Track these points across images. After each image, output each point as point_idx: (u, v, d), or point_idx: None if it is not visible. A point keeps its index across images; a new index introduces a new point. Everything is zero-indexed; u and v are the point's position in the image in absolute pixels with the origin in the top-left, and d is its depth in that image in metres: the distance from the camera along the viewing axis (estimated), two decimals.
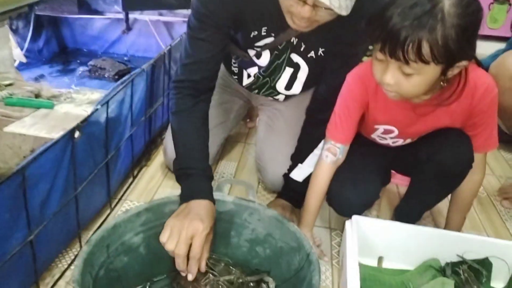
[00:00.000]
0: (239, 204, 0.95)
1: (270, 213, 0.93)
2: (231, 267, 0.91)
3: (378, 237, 1.04)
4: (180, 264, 0.82)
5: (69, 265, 0.98)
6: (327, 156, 1.03)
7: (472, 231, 1.22)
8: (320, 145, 1.09)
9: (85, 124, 0.95)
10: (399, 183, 1.38)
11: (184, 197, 0.89)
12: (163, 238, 0.82)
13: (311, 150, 1.14)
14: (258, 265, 0.94)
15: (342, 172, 1.04)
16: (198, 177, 0.92)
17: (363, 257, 1.02)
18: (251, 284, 0.90)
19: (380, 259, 1.06)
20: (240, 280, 0.88)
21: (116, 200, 1.21)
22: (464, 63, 0.81)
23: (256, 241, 0.95)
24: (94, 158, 1.05)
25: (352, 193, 1.02)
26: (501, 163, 1.59)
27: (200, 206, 0.86)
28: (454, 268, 0.98)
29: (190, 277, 0.83)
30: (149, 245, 0.92)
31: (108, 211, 1.16)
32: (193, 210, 0.85)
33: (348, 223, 1.02)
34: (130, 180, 1.29)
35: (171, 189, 1.29)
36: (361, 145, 1.07)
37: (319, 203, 1.06)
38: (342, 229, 1.16)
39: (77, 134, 0.94)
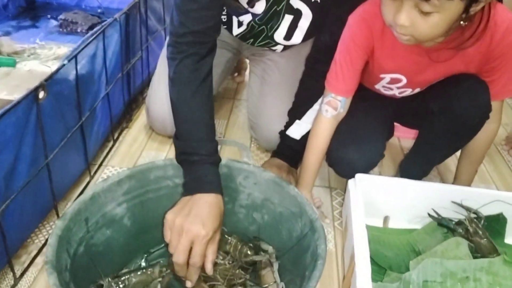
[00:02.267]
0: (233, 167, 0.85)
1: (268, 176, 0.83)
2: (226, 236, 0.82)
3: (383, 196, 0.96)
4: (179, 271, 0.73)
5: (47, 240, 0.89)
6: (327, 111, 0.93)
7: (480, 184, 1.15)
8: (320, 99, 0.98)
9: (51, 82, 0.83)
10: (401, 136, 1.30)
11: (188, 188, 0.77)
12: (166, 238, 0.74)
13: (310, 105, 1.04)
14: (255, 232, 0.86)
15: (343, 131, 0.95)
16: (203, 164, 0.78)
17: (367, 217, 0.94)
18: (249, 252, 0.82)
19: (385, 219, 0.99)
20: (238, 247, 0.80)
21: (96, 167, 1.11)
22: None
23: (253, 207, 0.86)
24: (66, 121, 0.93)
25: (354, 153, 0.93)
26: (507, 110, 1.51)
27: (204, 203, 0.73)
28: (465, 226, 0.91)
29: (189, 285, 0.73)
30: (134, 215, 0.83)
31: (88, 178, 1.06)
32: (195, 208, 0.73)
33: (351, 182, 0.94)
34: (110, 144, 1.19)
35: (156, 151, 1.19)
36: (362, 99, 0.97)
37: (318, 162, 0.97)
38: (343, 188, 1.09)
39: (41, 94, 0.82)
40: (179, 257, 0.70)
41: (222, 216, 0.76)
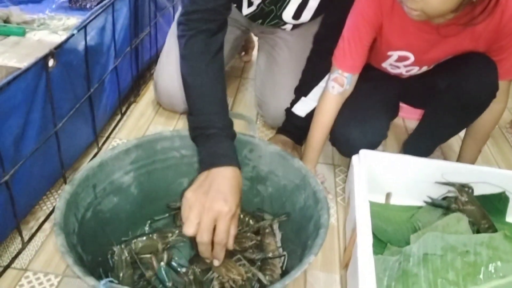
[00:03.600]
0: (238, 139, 0.85)
1: (273, 149, 0.84)
2: None
3: (386, 172, 0.97)
4: (204, 251, 0.69)
5: (54, 207, 0.91)
6: (334, 87, 0.93)
7: (484, 165, 1.15)
8: (327, 77, 0.99)
9: (60, 51, 0.84)
10: (405, 117, 1.30)
11: (204, 164, 0.74)
12: (183, 218, 0.69)
13: (317, 83, 1.04)
14: (259, 204, 0.87)
15: (346, 110, 0.95)
16: (219, 137, 0.76)
17: (370, 193, 0.94)
18: (251, 222, 0.83)
19: (387, 195, 1.00)
20: (240, 217, 0.82)
21: (104, 138, 1.12)
22: None
23: (257, 179, 0.87)
24: (75, 92, 0.94)
25: (357, 133, 0.94)
26: None
27: (223, 178, 0.71)
28: (455, 197, 0.92)
29: (217, 263, 0.71)
30: (140, 184, 0.84)
31: (96, 150, 1.08)
32: (214, 183, 0.70)
33: (355, 158, 0.94)
34: (118, 117, 1.20)
35: (163, 126, 1.20)
36: (367, 79, 0.97)
37: (323, 139, 0.98)
38: (346, 165, 1.10)
39: (51, 62, 0.82)
40: (203, 236, 0.66)
41: (241, 189, 0.74)
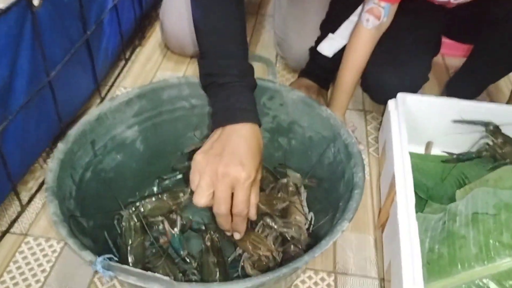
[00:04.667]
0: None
1: (296, 96, 0.73)
2: None
3: (427, 118, 0.85)
4: (223, 223, 0.60)
5: None
6: (368, 20, 0.79)
7: None
8: (359, 9, 0.85)
9: None
10: (447, 54, 1.15)
11: (217, 120, 0.61)
12: (192, 185, 0.58)
13: (347, 16, 0.90)
14: (281, 159, 0.77)
15: (382, 49, 0.83)
16: (236, 87, 0.61)
17: (408, 143, 0.84)
18: (270, 178, 0.74)
19: (428, 145, 0.89)
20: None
21: (107, 88, 1.02)
22: None
23: (278, 131, 0.76)
24: (69, 35, 0.83)
25: (394, 77, 0.83)
26: None
27: (240, 138, 0.58)
28: (487, 142, 0.81)
29: (238, 236, 0.62)
30: (146, 139, 0.75)
31: (98, 101, 0.98)
32: (229, 144, 0.57)
33: (391, 102, 0.82)
34: (122, 63, 1.10)
35: (172, 71, 1.10)
36: (407, 11, 0.82)
37: (355, 81, 0.86)
38: (379, 111, 0.99)
39: (36, 0, 0.71)
40: (220, 208, 0.56)
41: (262, 150, 0.61)
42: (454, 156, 0.85)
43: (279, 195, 0.70)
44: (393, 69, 0.82)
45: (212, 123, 0.62)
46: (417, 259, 0.57)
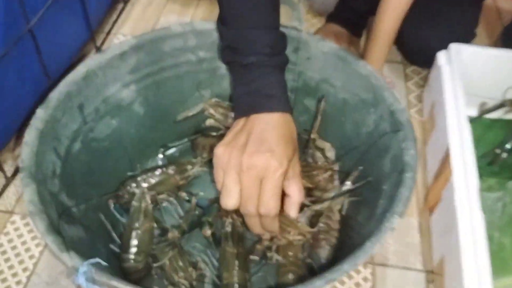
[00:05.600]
0: None
1: (327, 48, 0.59)
2: None
3: (481, 74, 0.72)
4: (253, 226, 0.50)
5: None
6: None
7: None
8: None
9: None
10: None
11: (240, 107, 0.51)
12: (218, 185, 0.48)
13: None
14: (307, 125, 0.65)
15: (419, 4, 0.70)
16: (264, 68, 0.51)
17: None
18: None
19: (481, 106, 0.75)
20: None
21: (103, 35, 0.90)
22: None
23: (305, 91, 0.64)
24: None
25: (435, 33, 0.74)
26: None
27: (267, 125, 0.48)
28: None
29: (268, 236, 0.54)
30: (147, 100, 0.64)
31: (94, 51, 0.86)
32: (254, 132, 0.48)
33: (441, 55, 0.68)
34: (120, 6, 0.97)
35: (179, 16, 0.97)
36: None
37: (395, 28, 0.73)
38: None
39: None
40: (246, 207, 0.47)
41: (295, 140, 0.50)
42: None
43: (319, 163, 0.60)
44: (433, 26, 0.73)
45: (235, 110, 0.51)
46: (483, 257, 0.46)
